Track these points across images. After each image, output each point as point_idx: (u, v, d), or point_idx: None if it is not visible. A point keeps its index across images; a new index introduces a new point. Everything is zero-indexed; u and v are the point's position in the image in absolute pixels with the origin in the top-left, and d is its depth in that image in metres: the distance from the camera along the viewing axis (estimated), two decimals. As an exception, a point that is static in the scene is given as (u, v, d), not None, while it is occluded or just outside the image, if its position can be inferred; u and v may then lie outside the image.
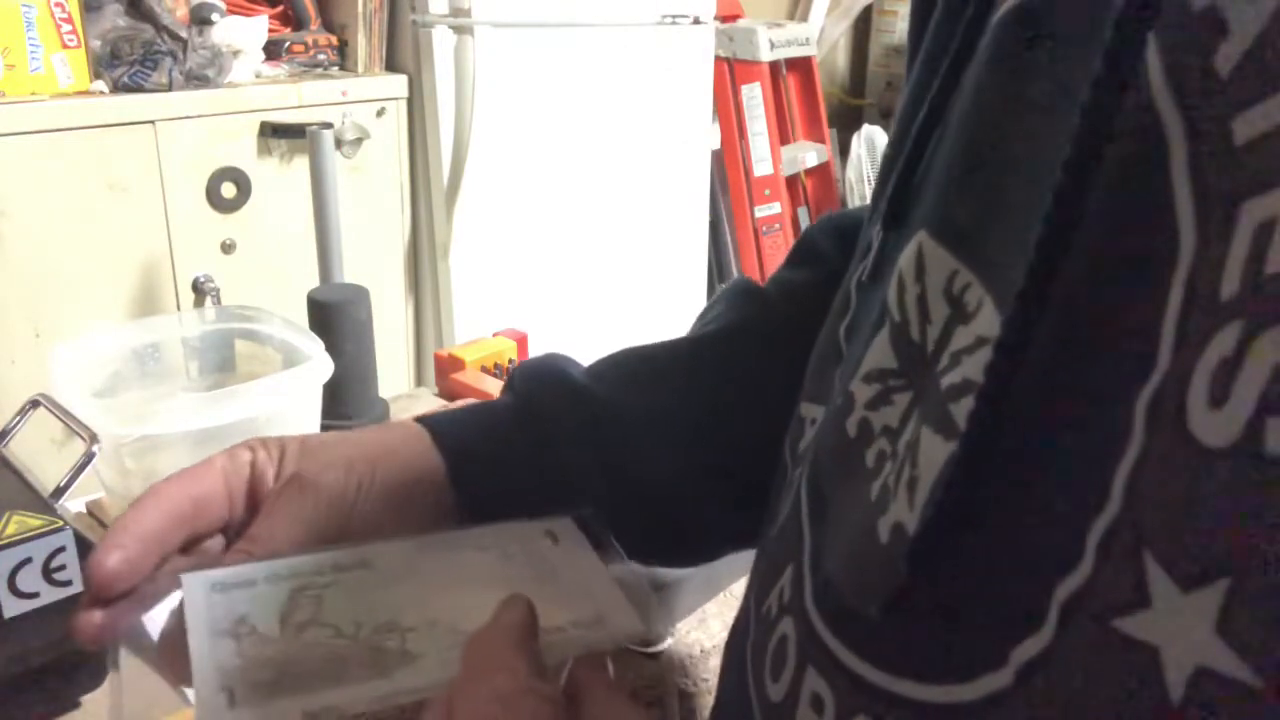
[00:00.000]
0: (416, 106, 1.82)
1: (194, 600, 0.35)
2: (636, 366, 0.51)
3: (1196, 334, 0.21)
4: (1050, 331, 0.25)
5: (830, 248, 0.55)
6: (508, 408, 0.48)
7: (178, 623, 0.36)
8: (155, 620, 0.37)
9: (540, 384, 0.48)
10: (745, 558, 0.47)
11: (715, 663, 0.69)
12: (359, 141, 1.76)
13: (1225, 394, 0.20)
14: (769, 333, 0.52)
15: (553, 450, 0.46)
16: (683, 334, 0.54)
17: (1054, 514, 0.24)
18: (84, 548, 0.61)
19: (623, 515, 0.46)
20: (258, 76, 1.72)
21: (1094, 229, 0.24)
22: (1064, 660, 0.23)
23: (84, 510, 0.86)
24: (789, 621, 0.34)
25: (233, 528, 0.42)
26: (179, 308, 1.65)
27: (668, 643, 0.69)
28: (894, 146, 0.38)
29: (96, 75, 1.55)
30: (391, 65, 1.84)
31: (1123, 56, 0.23)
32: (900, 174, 0.35)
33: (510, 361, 1.08)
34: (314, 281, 1.47)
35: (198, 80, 1.60)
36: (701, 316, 0.55)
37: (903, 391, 0.31)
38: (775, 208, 2.69)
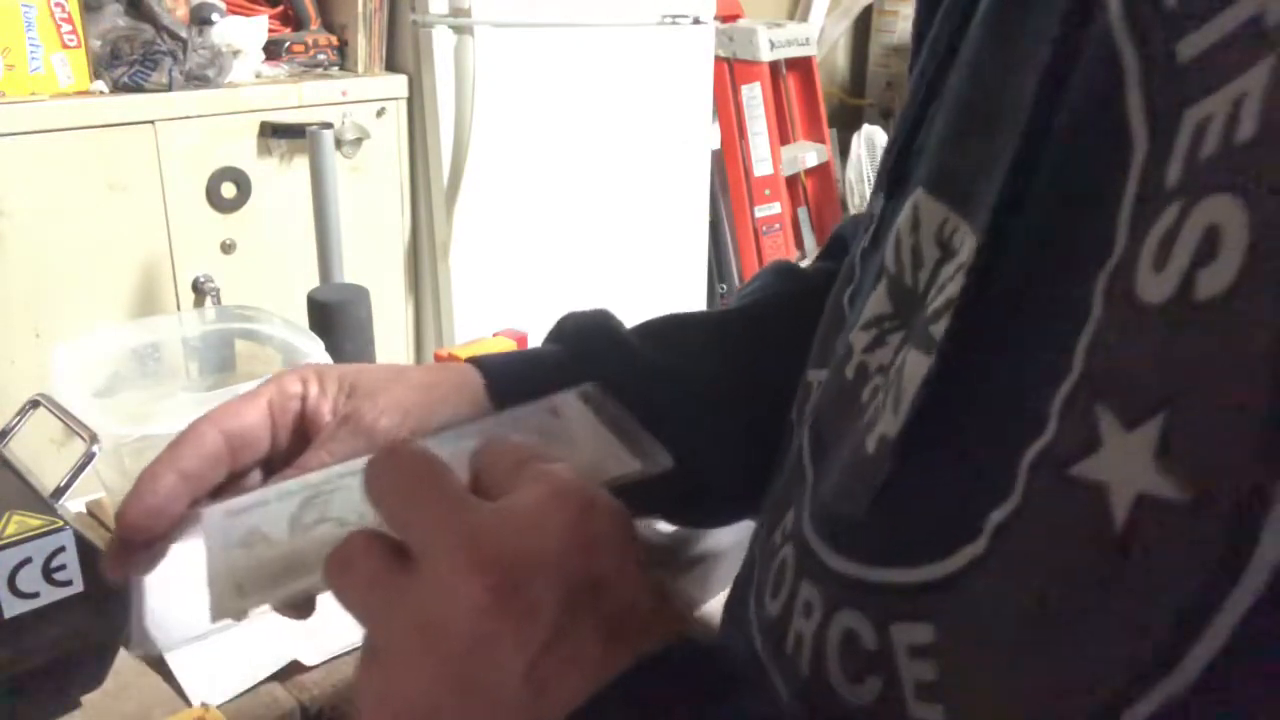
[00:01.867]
0: (416, 106, 1.82)
1: (212, 528, 0.36)
2: (679, 331, 0.52)
3: (1146, 218, 0.24)
4: (1023, 239, 0.28)
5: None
6: (558, 357, 0.49)
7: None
8: (162, 626, 0.38)
9: (591, 337, 0.50)
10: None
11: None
12: (359, 141, 1.76)
13: (1166, 258, 0.24)
14: (805, 304, 0.53)
15: None
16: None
17: (1023, 389, 0.27)
18: (84, 548, 0.61)
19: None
20: (258, 76, 1.72)
21: (1059, 148, 0.28)
22: (1030, 516, 0.26)
23: (84, 510, 0.86)
24: (789, 548, 0.36)
25: (275, 461, 0.43)
26: (179, 308, 1.65)
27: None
28: (897, 126, 0.41)
29: (96, 75, 1.55)
30: (391, 65, 1.84)
31: None
32: (900, 144, 0.38)
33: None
34: (314, 281, 1.47)
35: (198, 80, 1.60)
36: (741, 291, 0.57)
37: (896, 332, 0.34)
38: (775, 208, 2.68)
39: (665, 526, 0.72)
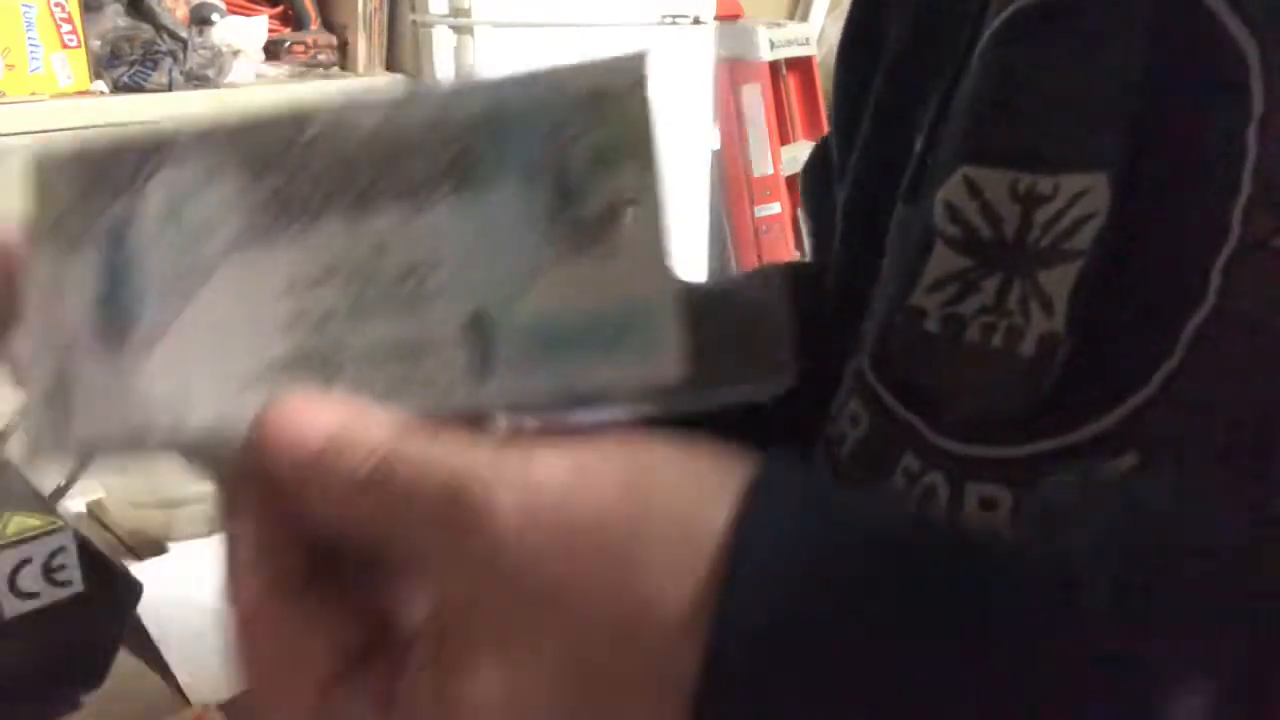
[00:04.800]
0: (416, 106, 1.82)
1: None
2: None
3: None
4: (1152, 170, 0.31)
5: None
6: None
7: None
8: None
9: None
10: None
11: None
12: (359, 141, 1.76)
13: None
14: None
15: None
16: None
17: (1204, 203, 0.29)
18: (84, 548, 0.61)
19: None
20: (258, 77, 1.72)
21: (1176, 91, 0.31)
22: (1229, 318, 0.28)
23: (84, 510, 0.86)
24: (925, 480, 0.36)
25: None
26: (179, 308, 1.65)
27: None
28: (869, 149, 0.45)
29: (96, 75, 1.55)
30: (391, 65, 1.84)
31: None
32: (919, 154, 0.39)
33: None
34: (314, 281, 1.47)
35: (198, 80, 1.60)
36: None
37: (989, 277, 0.35)
38: (775, 208, 2.69)
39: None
